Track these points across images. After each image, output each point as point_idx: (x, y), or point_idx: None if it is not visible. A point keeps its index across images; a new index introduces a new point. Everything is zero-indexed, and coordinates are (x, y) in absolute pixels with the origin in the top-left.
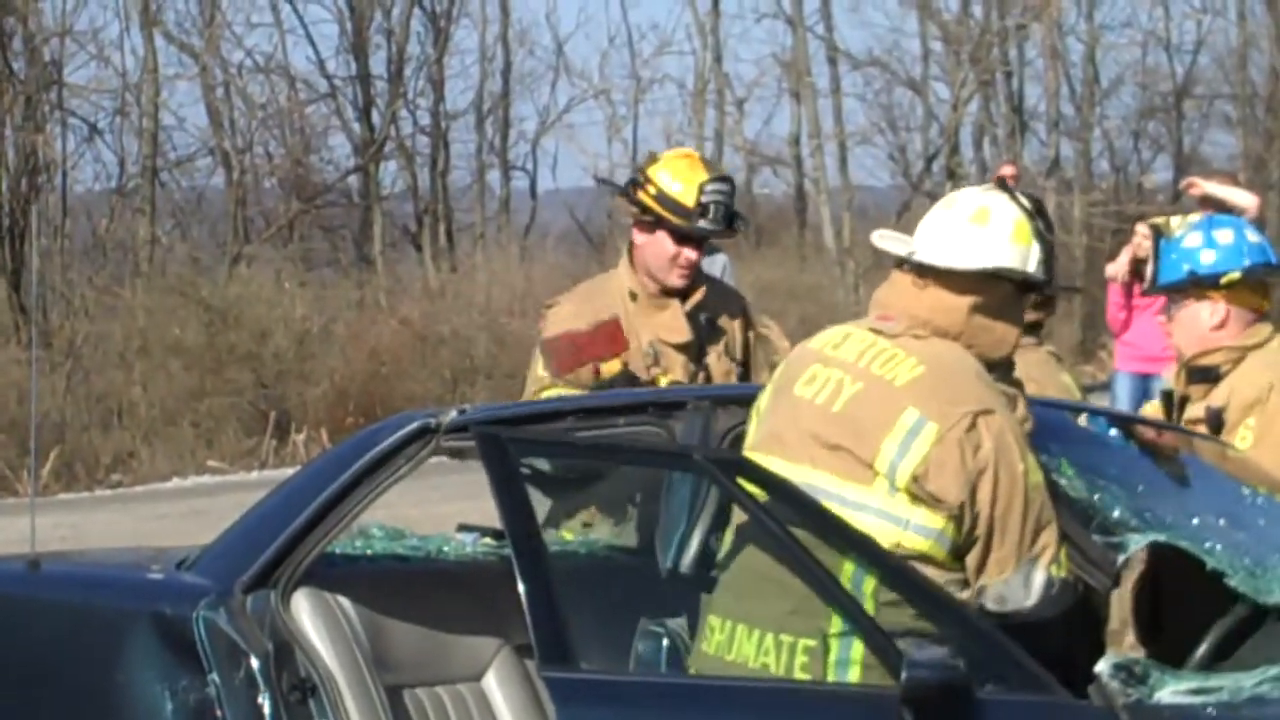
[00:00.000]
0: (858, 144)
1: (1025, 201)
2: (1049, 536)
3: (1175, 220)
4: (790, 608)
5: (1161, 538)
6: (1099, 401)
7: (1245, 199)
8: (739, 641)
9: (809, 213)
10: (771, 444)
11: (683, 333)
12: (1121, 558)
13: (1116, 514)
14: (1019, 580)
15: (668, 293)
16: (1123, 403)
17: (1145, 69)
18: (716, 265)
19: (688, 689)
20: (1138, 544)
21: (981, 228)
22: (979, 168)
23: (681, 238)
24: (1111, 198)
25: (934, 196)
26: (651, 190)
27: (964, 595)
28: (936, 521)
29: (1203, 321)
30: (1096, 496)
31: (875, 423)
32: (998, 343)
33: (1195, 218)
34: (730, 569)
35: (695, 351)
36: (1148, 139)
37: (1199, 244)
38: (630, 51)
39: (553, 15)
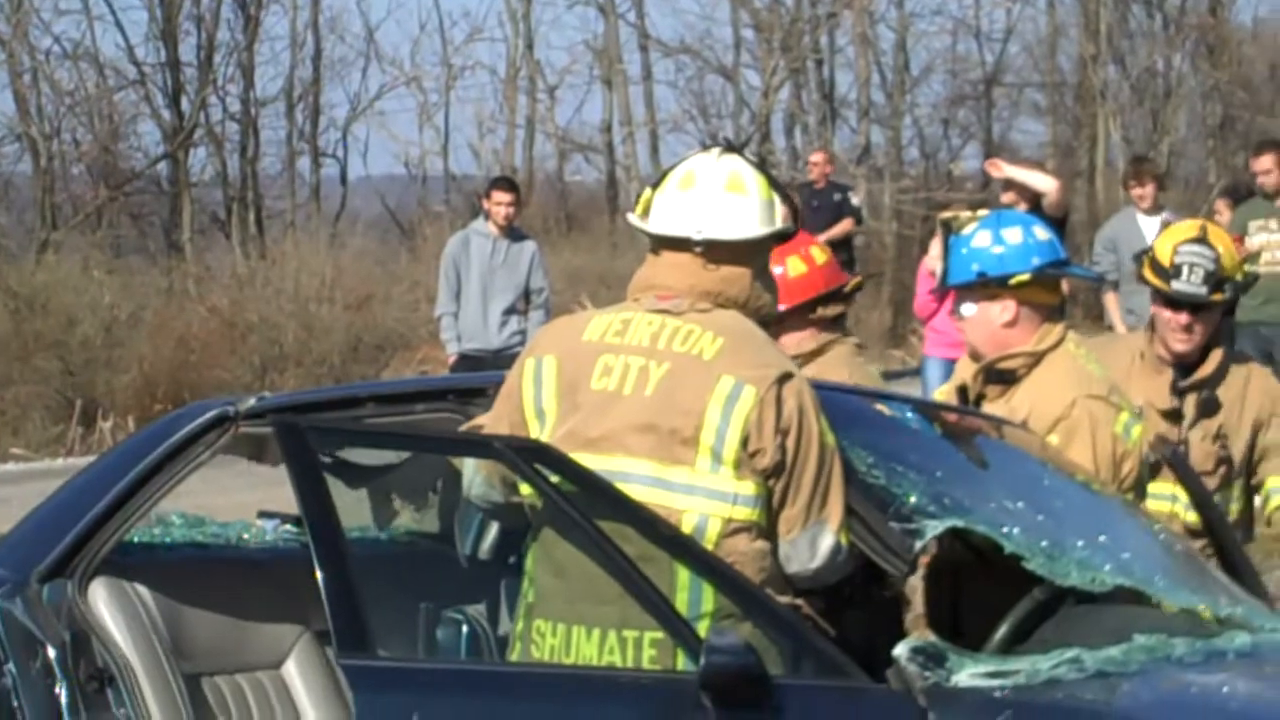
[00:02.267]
0: (669, 131)
1: (749, 156)
2: (838, 501)
3: (965, 215)
4: (630, 602)
5: (959, 524)
6: (910, 387)
7: (1045, 182)
8: (577, 644)
9: (620, 200)
10: (575, 442)
11: (1164, 400)
12: (918, 544)
13: (914, 501)
14: (805, 541)
15: (1171, 359)
16: (933, 387)
17: (955, 57)
18: (525, 252)
19: (486, 675)
20: (934, 531)
21: (743, 196)
22: (790, 155)
23: (1166, 301)
24: (921, 185)
25: None
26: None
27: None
28: (759, 489)
29: (993, 320)
30: (894, 484)
31: (694, 396)
32: (771, 302)
33: (984, 214)
34: (548, 570)
35: (1179, 421)
36: (958, 126)
37: (987, 243)
38: (442, 38)
39: (363, 2)
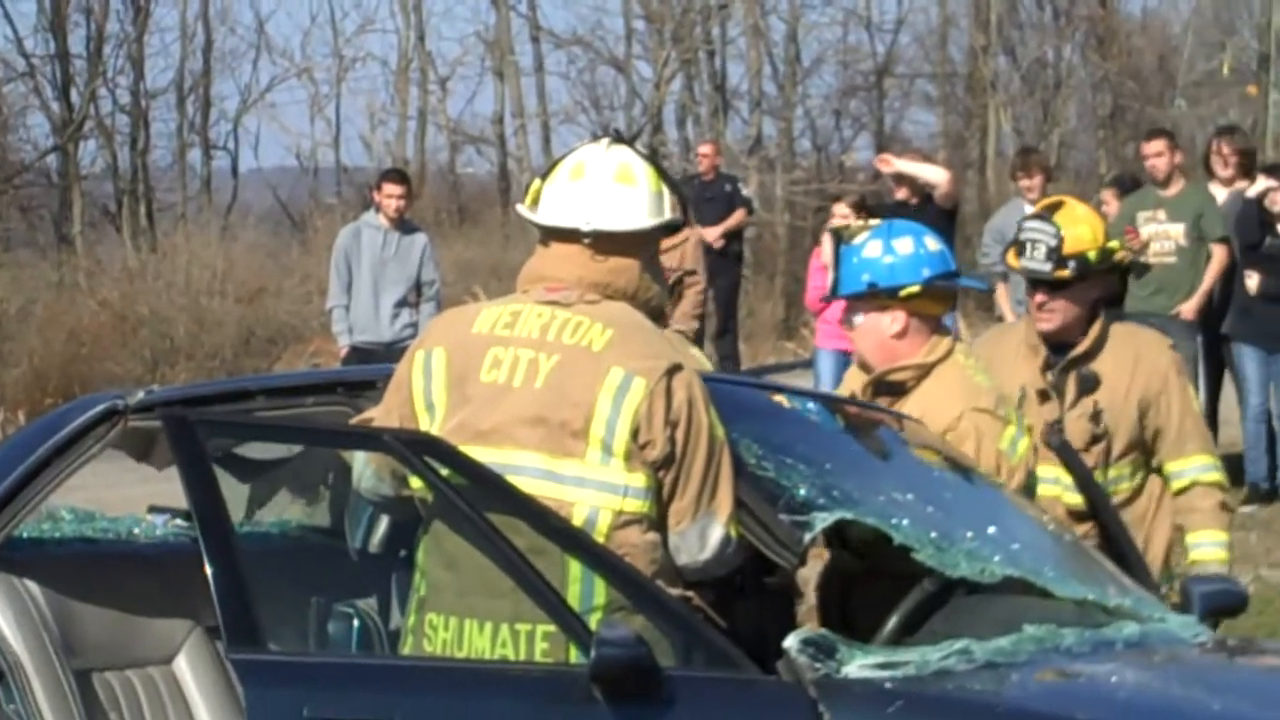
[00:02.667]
0: (561, 123)
1: (640, 147)
2: (727, 493)
3: (856, 224)
4: (522, 596)
5: (848, 515)
6: (802, 379)
7: (936, 174)
8: (470, 637)
9: (512, 191)
10: (465, 435)
11: (1039, 381)
12: (808, 536)
13: (804, 493)
14: (695, 533)
15: (1040, 339)
16: (825, 379)
17: (846, 48)
18: (417, 245)
19: (377, 669)
20: (824, 522)
21: (633, 187)
22: (682, 146)
23: (1027, 281)
24: (813, 176)
25: None
26: None
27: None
28: (649, 481)
29: (883, 330)
30: (784, 476)
31: (584, 388)
32: (660, 293)
33: (875, 223)
34: (439, 563)
35: (1056, 399)
36: (849, 117)
37: (878, 253)
38: (333, 29)
39: None
